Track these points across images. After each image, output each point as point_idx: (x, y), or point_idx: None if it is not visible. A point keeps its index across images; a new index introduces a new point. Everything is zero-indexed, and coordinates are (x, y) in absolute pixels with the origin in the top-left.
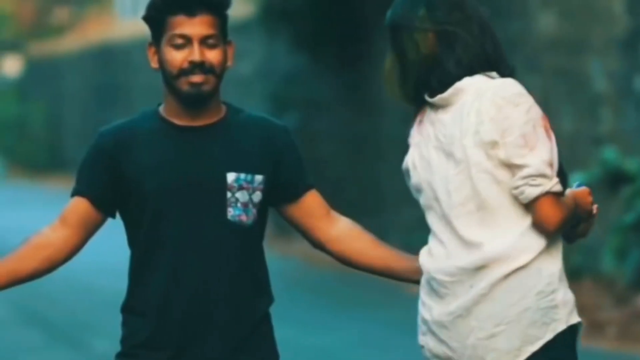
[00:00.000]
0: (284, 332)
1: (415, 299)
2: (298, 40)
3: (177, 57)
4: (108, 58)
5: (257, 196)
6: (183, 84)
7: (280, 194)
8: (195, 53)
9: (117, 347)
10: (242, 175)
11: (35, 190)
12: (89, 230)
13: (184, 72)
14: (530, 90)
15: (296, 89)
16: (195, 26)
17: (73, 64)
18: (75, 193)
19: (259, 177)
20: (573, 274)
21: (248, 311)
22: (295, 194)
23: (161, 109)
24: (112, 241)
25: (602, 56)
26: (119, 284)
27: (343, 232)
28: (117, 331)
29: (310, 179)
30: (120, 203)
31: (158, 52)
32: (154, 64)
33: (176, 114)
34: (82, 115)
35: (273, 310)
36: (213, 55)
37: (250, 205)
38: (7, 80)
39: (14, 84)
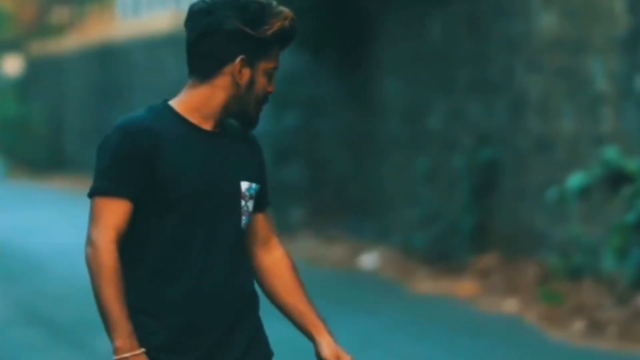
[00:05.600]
0: (283, 333)
1: (417, 299)
2: (300, 40)
3: (266, 86)
4: (109, 58)
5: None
6: (259, 110)
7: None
8: (273, 84)
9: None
10: (253, 185)
11: (37, 189)
12: None
13: (264, 101)
14: (531, 89)
15: (298, 88)
16: (279, 60)
17: (74, 64)
18: (115, 194)
19: (258, 187)
20: (574, 274)
21: (252, 314)
22: (256, 209)
23: (177, 107)
24: None
25: (603, 56)
26: None
27: (276, 262)
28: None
29: (270, 197)
30: (142, 204)
31: (250, 67)
32: (242, 79)
33: (207, 119)
34: (83, 115)
35: (273, 310)
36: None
37: (251, 214)
38: (7, 80)
39: (15, 83)
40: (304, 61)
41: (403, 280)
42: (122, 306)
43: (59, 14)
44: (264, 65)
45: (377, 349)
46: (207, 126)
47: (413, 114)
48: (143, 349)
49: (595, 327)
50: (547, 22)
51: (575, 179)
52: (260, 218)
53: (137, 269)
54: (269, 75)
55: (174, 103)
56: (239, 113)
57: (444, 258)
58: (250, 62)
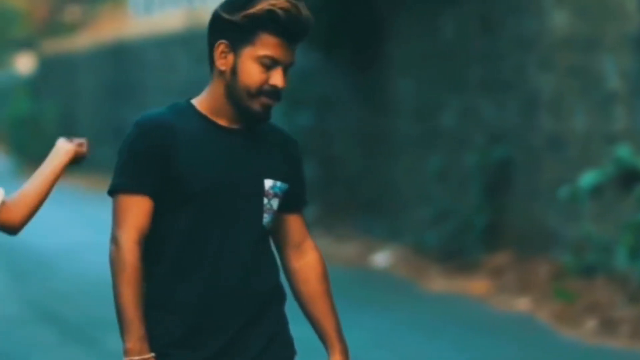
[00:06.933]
0: (293, 331)
1: (429, 298)
2: (312, 39)
3: (260, 77)
4: (121, 56)
5: (279, 204)
6: (256, 103)
7: (284, 203)
8: (280, 79)
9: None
10: (278, 184)
11: None
12: None
13: (262, 93)
14: (543, 88)
15: (310, 87)
16: (287, 54)
17: (86, 62)
18: (134, 190)
19: (287, 187)
20: (587, 272)
21: (274, 312)
22: (288, 209)
23: (198, 105)
24: None
25: (615, 54)
26: None
27: (305, 268)
28: None
29: (306, 199)
30: (159, 201)
31: (233, 53)
32: (223, 65)
33: (221, 115)
34: (95, 113)
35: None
36: (286, 81)
37: (276, 213)
38: (20, 78)
39: (27, 81)
40: (316, 60)
41: (415, 278)
42: (138, 308)
43: (72, 12)
44: (250, 52)
45: (389, 347)
46: (225, 122)
47: (425, 112)
48: (152, 354)
49: (608, 326)
50: (560, 20)
51: (588, 178)
52: (292, 219)
53: (155, 265)
54: (264, 65)
55: (195, 101)
56: (236, 105)
57: (456, 256)
58: (232, 48)
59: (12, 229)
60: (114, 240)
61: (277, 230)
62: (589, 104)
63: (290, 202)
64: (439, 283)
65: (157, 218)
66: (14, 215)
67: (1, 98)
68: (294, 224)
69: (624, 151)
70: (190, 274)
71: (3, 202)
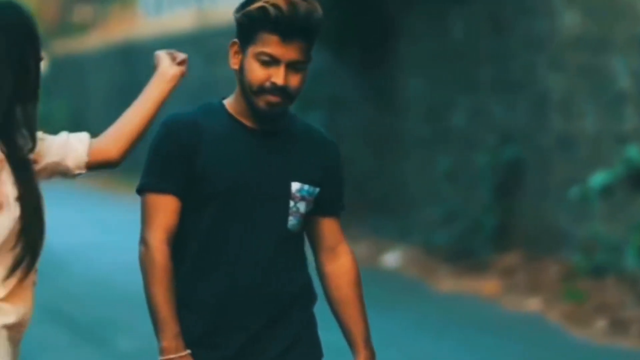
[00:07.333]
0: (325, 335)
1: (439, 298)
2: (322, 39)
3: (260, 74)
4: (131, 56)
5: (309, 207)
6: (260, 101)
7: (317, 207)
8: (280, 77)
9: (140, 345)
10: (306, 187)
11: (58, 188)
12: None
13: (264, 90)
14: (553, 88)
15: (320, 87)
16: (288, 50)
17: (96, 63)
18: (160, 189)
19: (317, 190)
20: (597, 272)
21: (299, 313)
22: (322, 212)
23: (228, 105)
24: (136, 238)
25: (625, 54)
26: (138, 280)
27: (338, 272)
28: (141, 329)
29: (343, 203)
30: (184, 199)
31: (241, 54)
32: (234, 64)
33: (246, 116)
34: (106, 114)
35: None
36: (295, 80)
37: (304, 216)
38: None
39: None
40: (326, 59)
41: (425, 278)
42: (171, 307)
43: (82, 12)
44: (252, 50)
45: (398, 347)
46: (250, 123)
47: (435, 112)
48: (189, 351)
49: (618, 326)
50: (570, 20)
51: (598, 178)
52: (326, 223)
53: (180, 263)
54: (263, 62)
55: (226, 101)
56: (249, 103)
57: (466, 256)
58: (241, 48)
59: (111, 164)
60: (143, 241)
61: (311, 233)
62: (599, 104)
63: (324, 206)
64: (448, 283)
65: (182, 217)
66: (108, 150)
67: None
68: (327, 227)
69: (634, 151)
70: (210, 274)
71: (90, 145)
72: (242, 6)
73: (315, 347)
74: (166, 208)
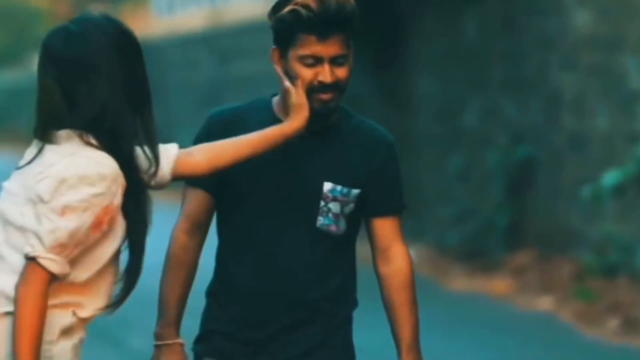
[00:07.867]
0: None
1: (451, 297)
2: None
3: (307, 75)
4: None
5: (350, 208)
6: (313, 101)
7: (366, 207)
8: (326, 74)
9: (153, 344)
10: (339, 188)
11: None
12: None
13: (314, 90)
14: (566, 87)
15: None
16: (328, 47)
17: None
18: (193, 184)
19: (355, 191)
20: (609, 272)
21: (328, 314)
22: (374, 213)
23: (275, 102)
24: (152, 239)
25: (637, 53)
26: (155, 281)
27: (389, 275)
28: (153, 328)
29: (400, 203)
30: (216, 197)
31: (283, 58)
32: (279, 71)
33: (287, 114)
34: None
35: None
36: (342, 73)
37: (342, 217)
38: None
39: None
40: None
41: (437, 277)
42: (175, 295)
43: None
44: (293, 54)
45: None
46: None
47: (447, 111)
48: (180, 340)
49: (631, 325)
50: (582, 19)
51: (610, 177)
52: (379, 224)
53: (216, 260)
54: (308, 64)
55: (274, 98)
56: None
57: (478, 256)
58: (282, 53)
59: (194, 178)
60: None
61: (368, 235)
62: (611, 103)
63: (374, 207)
64: (461, 282)
65: (219, 214)
66: (194, 165)
67: (23, 97)
68: (380, 228)
69: None
70: (237, 270)
71: (178, 156)
72: (274, 11)
73: (343, 353)
74: (194, 200)
